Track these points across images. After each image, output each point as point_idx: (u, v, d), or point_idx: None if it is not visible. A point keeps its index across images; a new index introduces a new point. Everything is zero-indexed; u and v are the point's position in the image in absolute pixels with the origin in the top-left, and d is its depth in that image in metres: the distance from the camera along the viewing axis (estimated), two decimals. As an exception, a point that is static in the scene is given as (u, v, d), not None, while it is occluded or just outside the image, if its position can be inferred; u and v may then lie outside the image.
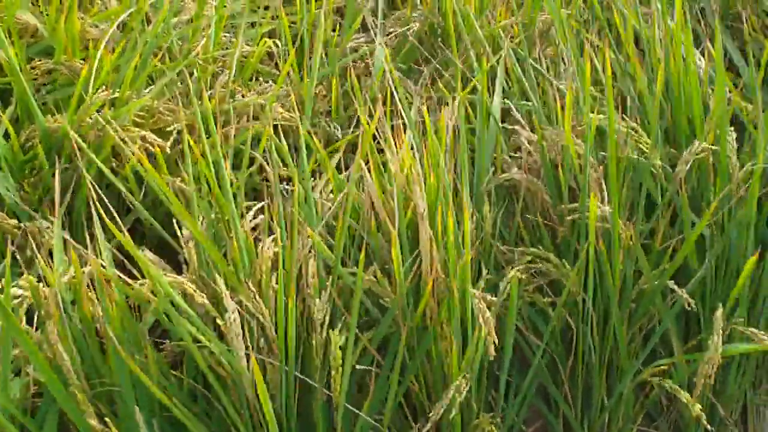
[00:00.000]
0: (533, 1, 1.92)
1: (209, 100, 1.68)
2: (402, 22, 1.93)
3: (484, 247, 1.49)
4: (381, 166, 1.49)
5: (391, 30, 1.93)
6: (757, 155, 1.61)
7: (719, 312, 1.48)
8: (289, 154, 1.55)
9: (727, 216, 1.59)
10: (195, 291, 1.29)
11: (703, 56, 1.80)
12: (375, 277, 1.38)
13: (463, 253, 1.34)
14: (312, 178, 1.48)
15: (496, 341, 1.30)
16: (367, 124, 1.47)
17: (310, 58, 1.85)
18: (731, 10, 2.12)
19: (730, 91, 1.73)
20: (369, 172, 1.45)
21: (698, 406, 1.42)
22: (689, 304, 1.50)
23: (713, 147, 1.58)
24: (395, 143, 1.46)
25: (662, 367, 1.53)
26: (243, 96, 1.74)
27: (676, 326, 1.60)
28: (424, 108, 1.57)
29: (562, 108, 1.61)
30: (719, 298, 1.61)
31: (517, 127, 1.61)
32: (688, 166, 1.54)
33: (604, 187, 1.51)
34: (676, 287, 1.51)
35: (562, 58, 1.79)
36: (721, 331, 1.46)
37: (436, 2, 1.92)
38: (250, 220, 1.47)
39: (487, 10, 1.93)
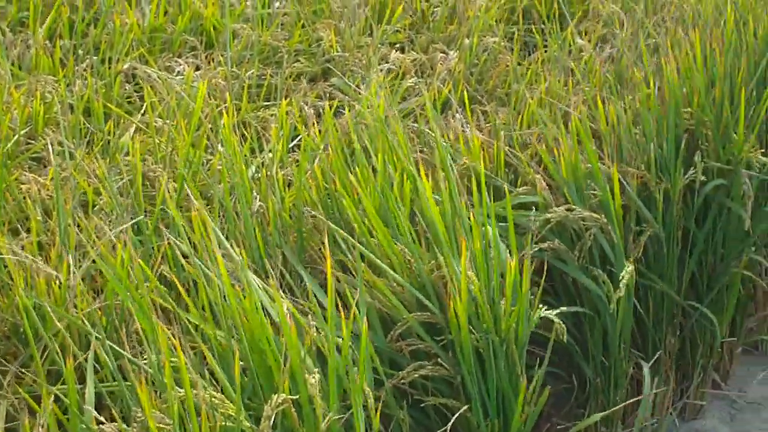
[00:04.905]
0: (109, 285, 1.98)
1: None
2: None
3: None
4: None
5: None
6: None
7: None
8: None
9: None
10: None
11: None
12: None
13: None
14: None
15: None
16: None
17: None
18: (306, 254, 2.34)
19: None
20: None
21: None
22: None
23: (292, 397, 1.74)
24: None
25: None
26: None
27: None
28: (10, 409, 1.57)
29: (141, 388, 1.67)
30: None
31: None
32: (272, 420, 1.69)
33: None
34: None
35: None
36: None
37: (12, 300, 1.94)
38: None
39: (68, 301, 1.97)
